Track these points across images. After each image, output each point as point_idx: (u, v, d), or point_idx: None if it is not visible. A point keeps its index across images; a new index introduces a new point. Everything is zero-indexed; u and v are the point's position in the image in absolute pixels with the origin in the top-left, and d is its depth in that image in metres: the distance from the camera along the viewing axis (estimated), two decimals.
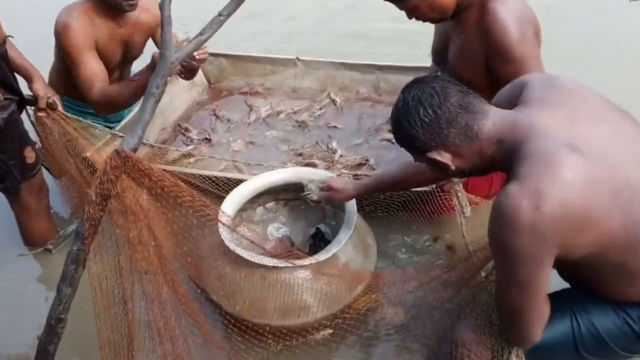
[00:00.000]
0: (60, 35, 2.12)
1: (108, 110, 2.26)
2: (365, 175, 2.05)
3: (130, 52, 2.40)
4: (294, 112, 2.76)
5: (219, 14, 1.32)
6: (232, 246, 1.59)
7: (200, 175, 2.08)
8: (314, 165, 2.40)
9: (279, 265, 1.57)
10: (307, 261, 1.58)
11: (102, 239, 1.22)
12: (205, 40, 1.33)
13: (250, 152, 2.53)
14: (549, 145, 1.11)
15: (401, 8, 1.73)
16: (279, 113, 2.76)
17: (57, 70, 2.34)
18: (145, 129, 1.26)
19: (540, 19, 1.73)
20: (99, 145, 2.20)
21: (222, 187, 2.09)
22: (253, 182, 1.88)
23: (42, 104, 2.00)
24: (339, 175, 2.28)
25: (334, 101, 2.80)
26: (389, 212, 2.05)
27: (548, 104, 1.20)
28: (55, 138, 2.06)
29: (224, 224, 1.38)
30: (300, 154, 2.47)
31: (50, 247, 2.19)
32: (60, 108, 2.06)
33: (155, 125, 2.62)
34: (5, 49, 1.86)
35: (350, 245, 1.65)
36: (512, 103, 1.26)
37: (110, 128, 2.47)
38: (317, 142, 2.53)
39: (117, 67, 2.38)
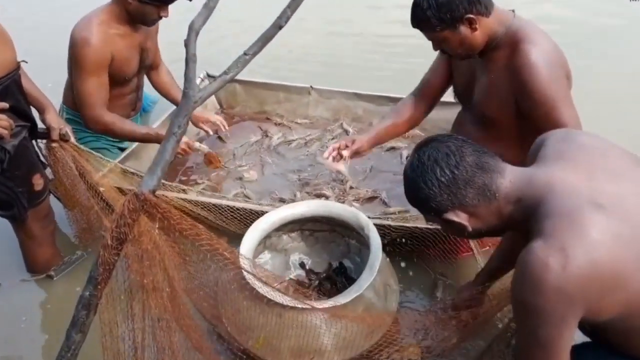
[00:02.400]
0: (76, 47, 2.12)
1: (100, 133, 2.32)
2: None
3: (145, 59, 2.40)
4: (306, 142, 2.72)
5: (245, 53, 1.29)
6: (252, 282, 1.53)
7: (215, 205, 2.07)
8: (324, 197, 2.37)
9: (297, 305, 1.52)
10: (327, 304, 1.53)
11: (116, 284, 1.17)
12: (230, 80, 1.30)
13: (260, 180, 2.50)
14: (572, 202, 1.08)
15: (429, 38, 1.72)
16: (290, 142, 2.73)
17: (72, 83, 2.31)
18: (165, 169, 1.22)
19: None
20: (105, 172, 2.16)
21: (238, 216, 2.07)
22: (276, 214, 1.84)
23: (54, 135, 1.97)
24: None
25: (346, 131, 2.77)
26: (411, 249, 2.01)
27: (565, 159, 1.18)
28: (66, 169, 2.03)
29: (245, 271, 1.32)
30: (310, 184, 2.44)
31: (52, 273, 2.15)
32: (72, 139, 2.03)
33: None
34: (19, 74, 1.83)
35: (372, 289, 1.60)
36: (532, 162, 1.25)
37: (123, 149, 2.46)
38: (330, 171, 2.48)
39: (135, 76, 2.39)
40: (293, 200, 2.34)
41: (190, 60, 1.25)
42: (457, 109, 2.08)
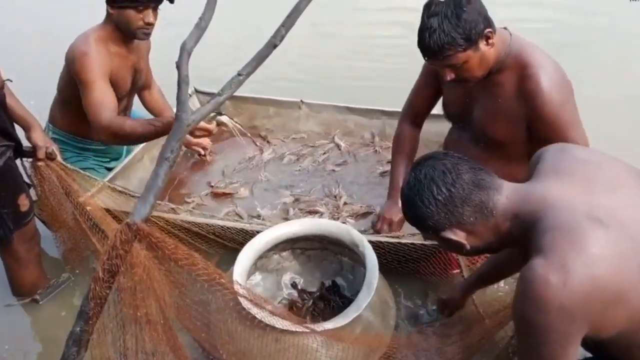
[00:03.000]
0: (76, 60, 2.07)
1: (113, 141, 2.18)
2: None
3: (138, 80, 2.36)
4: (297, 157, 2.68)
5: (238, 74, 1.26)
6: (247, 307, 1.48)
7: (208, 224, 2.03)
8: (317, 213, 2.33)
9: (294, 329, 1.47)
10: (325, 327, 1.49)
11: (107, 317, 1.11)
12: (224, 102, 1.26)
13: (252, 197, 2.45)
14: (569, 217, 1.08)
15: (446, 64, 1.59)
16: (281, 157, 2.69)
17: (63, 103, 2.29)
18: (158, 196, 1.18)
19: None
20: (93, 192, 2.11)
21: (230, 235, 2.03)
22: (270, 233, 1.79)
23: (41, 154, 1.92)
24: (343, 222, 2.23)
25: (338, 146, 2.73)
26: (403, 267, 1.97)
27: (561, 173, 1.19)
28: (52, 189, 1.98)
29: (241, 295, 1.28)
30: (302, 200, 2.40)
31: (38, 297, 2.08)
32: (59, 158, 1.98)
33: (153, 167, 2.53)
34: (4, 93, 1.77)
35: (369, 309, 1.57)
36: (530, 177, 1.25)
37: (111, 169, 2.40)
38: (322, 186, 2.47)
39: (126, 96, 2.34)
40: (286, 218, 2.30)
41: (182, 82, 1.22)
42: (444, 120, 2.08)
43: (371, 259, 1.65)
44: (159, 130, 2.01)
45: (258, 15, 4.16)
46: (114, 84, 2.17)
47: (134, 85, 2.35)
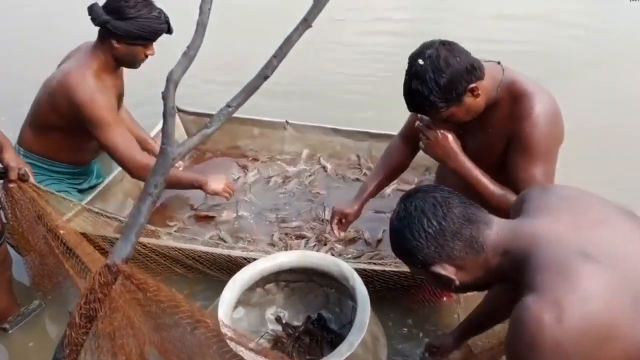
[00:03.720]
0: (88, 108, 2.03)
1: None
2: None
3: (120, 100, 2.32)
4: (283, 179, 2.63)
5: (228, 105, 1.20)
6: (235, 349, 1.40)
7: (194, 251, 1.98)
8: (304, 238, 2.28)
9: None
10: None
11: None
12: (212, 134, 1.21)
13: (236, 220, 2.39)
14: (560, 253, 1.07)
15: (433, 117, 1.65)
16: (266, 179, 2.63)
17: (41, 128, 2.21)
18: (139, 234, 1.11)
19: None
20: (70, 216, 2.03)
21: (212, 260, 1.98)
22: (256, 266, 1.72)
23: (13, 175, 1.84)
24: (330, 249, 2.18)
25: (324, 167, 2.69)
26: (392, 294, 1.93)
27: (549, 210, 1.19)
28: (24, 212, 1.89)
29: (229, 338, 1.21)
30: (287, 223, 2.35)
31: (7, 326, 1.99)
32: (32, 179, 1.90)
33: (135, 188, 2.46)
34: None
35: (362, 346, 1.51)
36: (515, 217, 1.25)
37: (82, 191, 2.33)
38: (310, 209, 2.43)
39: None
40: (271, 243, 2.24)
41: (168, 115, 1.16)
42: None
43: (362, 294, 1.60)
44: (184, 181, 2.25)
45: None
46: None
47: (118, 107, 2.29)
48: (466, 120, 1.64)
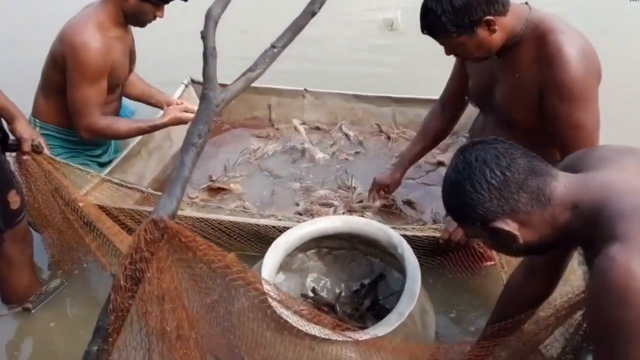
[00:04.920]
0: (77, 53, 1.93)
1: (93, 139, 2.17)
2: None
3: (132, 62, 2.23)
4: (304, 148, 2.52)
5: (272, 46, 1.09)
6: (280, 312, 1.31)
7: (221, 221, 1.87)
8: (331, 206, 2.17)
9: (333, 338, 1.31)
10: (366, 335, 1.33)
11: (130, 334, 0.93)
12: (257, 78, 1.09)
13: (259, 191, 2.28)
14: (638, 200, 0.98)
15: (442, 43, 1.57)
16: (287, 150, 2.52)
17: (50, 91, 2.10)
18: (184, 188, 1.00)
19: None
20: (88, 189, 1.92)
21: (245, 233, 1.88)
22: (298, 231, 1.62)
23: (26, 147, 1.74)
24: (361, 217, 2.08)
25: (347, 135, 2.57)
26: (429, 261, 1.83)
27: (612, 162, 1.10)
28: (40, 185, 1.80)
29: (274, 299, 1.11)
30: (314, 193, 2.25)
31: (29, 306, 1.89)
32: (46, 151, 1.80)
33: (152, 161, 2.35)
34: None
35: (410, 317, 1.42)
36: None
37: (102, 165, 2.21)
38: (335, 177, 2.33)
39: (124, 82, 2.22)
40: (299, 212, 2.14)
41: (209, 56, 1.04)
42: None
43: (412, 263, 1.50)
44: (144, 130, 2.15)
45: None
46: (114, 72, 2.05)
47: (130, 68, 2.20)
48: (477, 57, 1.56)
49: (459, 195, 1.08)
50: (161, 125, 2.13)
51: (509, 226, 1.05)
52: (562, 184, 1.05)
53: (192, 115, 2.07)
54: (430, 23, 1.50)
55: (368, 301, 1.65)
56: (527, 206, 1.04)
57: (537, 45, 1.52)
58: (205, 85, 1.03)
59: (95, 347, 0.91)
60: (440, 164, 2.37)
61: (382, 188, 2.06)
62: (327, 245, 1.75)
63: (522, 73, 1.57)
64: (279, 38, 1.08)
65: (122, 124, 2.12)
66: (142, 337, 0.94)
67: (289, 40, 1.09)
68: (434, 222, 2.05)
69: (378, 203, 2.07)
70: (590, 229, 1.02)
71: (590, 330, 1.13)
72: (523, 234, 1.06)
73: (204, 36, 1.04)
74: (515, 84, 1.61)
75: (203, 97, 1.03)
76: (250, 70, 1.08)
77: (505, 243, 1.09)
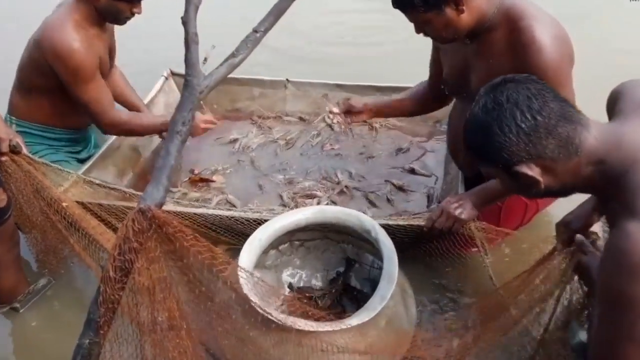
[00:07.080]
0: (65, 58, 1.89)
1: (119, 134, 2.22)
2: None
3: (112, 58, 2.19)
4: (287, 140, 2.50)
5: (254, 30, 1.08)
6: (261, 307, 1.29)
7: (207, 216, 1.83)
8: (315, 197, 2.17)
9: (320, 329, 1.31)
10: (352, 322, 1.33)
11: (121, 326, 0.92)
12: (240, 63, 1.08)
13: (242, 183, 2.26)
14: None
15: (411, 19, 1.58)
16: (270, 139, 2.50)
17: (29, 91, 2.06)
18: (171, 176, 0.98)
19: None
20: (66, 186, 1.89)
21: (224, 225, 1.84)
22: (271, 225, 1.61)
23: (4, 147, 1.71)
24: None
25: (330, 126, 2.56)
26: (413, 248, 1.83)
27: None
28: (20, 186, 1.76)
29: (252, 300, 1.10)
30: (297, 185, 2.24)
31: (17, 305, 1.86)
32: (24, 151, 1.76)
33: (133, 156, 2.32)
34: None
35: (392, 298, 1.42)
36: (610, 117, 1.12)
37: (82, 161, 2.19)
38: (319, 168, 2.32)
39: (105, 79, 2.16)
40: (283, 204, 2.13)
41: (191, 42, 1.02)
42: None
43: (386, 246, 1.50)
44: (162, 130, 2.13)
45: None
46: (100, 70, 2.01)
47: (110, 65, 2.16)
48: (445, 38, 1.58)
49: (485, 136, 1.04)
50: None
51: (533, 171, 1.02)
52: (593, 135, 1.02)
53: (210, 126, 2.17)
54: None
55: (340, 286, 1.66)
56: (553, 153, 1.01)
57: (509, 31, 1.53)
58: (187, 72, 1.02)
59: (87, 340, 0.89)
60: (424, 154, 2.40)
61: (349, 108, 2.03)
62: (298, 238, 1.74)
63: (496, 59, 1.57)
64: (261, 22, 1.07)
65: (144, 119, 2.15)
66: (134, 329, 0.93)
67: (270, 24, 1.08)
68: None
69: (337, 119, 2.05)
70: (611, 188, 1.00)
71: (598, 301, 1.09)
72: (545, 180, 1.03)
73: (184, 22, 1.02)
74: (489, 70, 1.59)
75: (186, 84, 1.02)
76: (232, 55, 1.06)
77: (525, 187, 1.06)
